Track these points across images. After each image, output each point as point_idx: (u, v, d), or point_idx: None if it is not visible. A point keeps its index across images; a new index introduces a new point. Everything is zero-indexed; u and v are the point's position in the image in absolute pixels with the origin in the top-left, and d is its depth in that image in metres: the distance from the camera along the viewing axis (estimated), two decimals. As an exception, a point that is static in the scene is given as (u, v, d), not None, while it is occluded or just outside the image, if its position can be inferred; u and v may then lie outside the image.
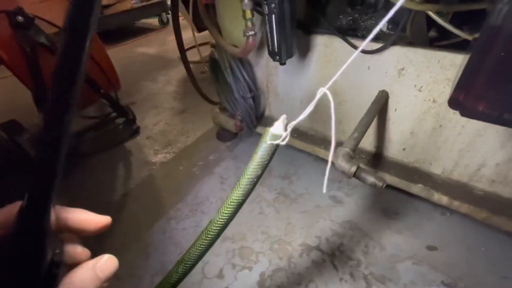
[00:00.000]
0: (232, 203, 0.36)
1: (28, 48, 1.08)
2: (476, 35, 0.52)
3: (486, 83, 0.42)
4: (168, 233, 1.06)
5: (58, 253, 0.22)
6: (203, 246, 0.40)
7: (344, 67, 0.34)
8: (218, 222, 0.38)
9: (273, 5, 0.64)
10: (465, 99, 0.45)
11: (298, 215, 1.07)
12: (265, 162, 0.34)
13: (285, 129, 0.32)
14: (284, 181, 1.22)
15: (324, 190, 0.35)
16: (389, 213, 1.04)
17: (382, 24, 0.27)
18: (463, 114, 0.47)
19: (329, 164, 0.31)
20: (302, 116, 0.30)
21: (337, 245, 0.96)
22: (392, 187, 1.02)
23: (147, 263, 0.97)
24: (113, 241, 1.05)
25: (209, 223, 0.39)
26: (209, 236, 0.39)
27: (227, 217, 0.37)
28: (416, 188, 0.94)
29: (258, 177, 0.35)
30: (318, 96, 0.26)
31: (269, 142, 0.33)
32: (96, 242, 1.06)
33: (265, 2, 0.65)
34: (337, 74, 0.30)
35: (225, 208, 0.37)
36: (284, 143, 0.32)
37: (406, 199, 1.08)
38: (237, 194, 0.35)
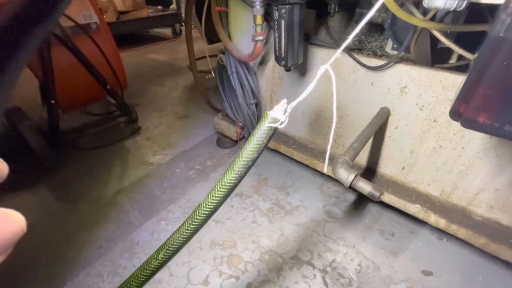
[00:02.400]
0: (224, 186, 0.35)
1: (42, 38, 1.11)
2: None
3: (487, 94, 0.42)
4: (157, 234, 1.03)
5: None
6: (188, 232, 0.38)
7: (331, 60, 0.34)
8: (207, 206, 0.36)
9: (283, 10, 0.66)
10: (466, 110, 0.45)
11: (292, 227, 1.05)
12: (262, 146, 0.33)
13: (284, 113, 0.32)
14: (280, 192, 1.20)
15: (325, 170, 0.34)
16: (385, 234, 1.01)
17: (368, 17, 0.28)
18: (464, 125, 0.46)
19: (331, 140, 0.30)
20: (301, 97, 0.30)
21: (329, 262, 0.93)
22: (389, 206, 1.01)
23: (132, 263, 0.94)
24: (99, 237, 1.02)
25: (197, 207, 0.37)
26: (196, 221, 0.38)
27: (217, 201, 0.36)
28: (414, 209, 0.92)
29: (253, 161, 0.34)
30: (320, 73, 0.26)
31: (267, 125, 0.32)
32: (79, 237, 1.03)
33: (275, 8, 0.68)
34: (334, 57, 0.30)
35: (216, 191, 0.35)
36: (282, 126, 0.32)
37: (402, 221, 1.05)
38: (230, 177, 0.34)
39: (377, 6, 0.26)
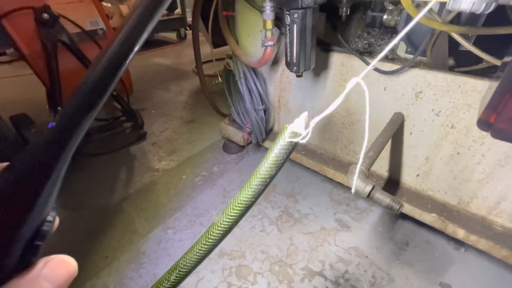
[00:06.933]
0: (239, 205, 0.32)
1: (49, 45, 1.11)
2: (507, 59, 0.50)
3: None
4: (164, 243, 1.01)
5: (50, 222, 0.19)
6: (201, 252, 0.36)
7: (363, 73, 0.31)
8: (222, 225, 0.34)
9: (296, 15, 0.64)
10: (497, 120, 0.42)
11: (302, 236, 1.01)
12: (281, 162, 0.31)
13: (306, 127, 0.30)
14: (288, 199, 1.18)
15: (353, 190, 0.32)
16: (399, 243, 0.98)
17: (399, 37, 0.25)
18: (495, 136, 0.43)
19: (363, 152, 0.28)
20: (327, 112, 0.27)
21: (342, 273, 0.89)
22: (403, 214, 0.97)
23: (138, 273, 0.92)
24: (105, 246, 1.00)
25: (211, 226, 0.35)
26: (209, 241, 0.35)
27: (232, 220, 0.33)
28: (430, 218, 0.88)
29: (271, 178, 0.32)
30: (349, 86, 0.24)
31: (287, 140, 0.30)
32: (85, 245, 1.01)
33: (287, 13, 0.65)
34: (366, 70, 0.27)
35: (231, 210, 0.33)
36: (304, 141, 0.30)
37: (417, 230, 1.01)
38: (246, 194, 0.32)
39: (410, 25, 0.23)
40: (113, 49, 0.18)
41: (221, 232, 0.34)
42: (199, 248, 0.36)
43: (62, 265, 0.19)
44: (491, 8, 0.45)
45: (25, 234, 0.17)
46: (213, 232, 0.35)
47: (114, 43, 0.18)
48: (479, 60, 0.77)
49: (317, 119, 0.28)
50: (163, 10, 0.20)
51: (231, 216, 0.33)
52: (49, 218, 0.19)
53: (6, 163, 0.18)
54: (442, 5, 0.70)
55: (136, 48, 0.19)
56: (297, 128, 0.30)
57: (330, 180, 1.17)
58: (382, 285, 0.86)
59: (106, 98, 0.19)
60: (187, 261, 0.36)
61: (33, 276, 0.17)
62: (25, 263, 0.18)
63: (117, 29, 0.18)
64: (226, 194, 1.22)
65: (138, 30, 0.19)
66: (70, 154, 0.19)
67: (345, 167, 1.09)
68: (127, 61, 0.19)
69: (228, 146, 1.44)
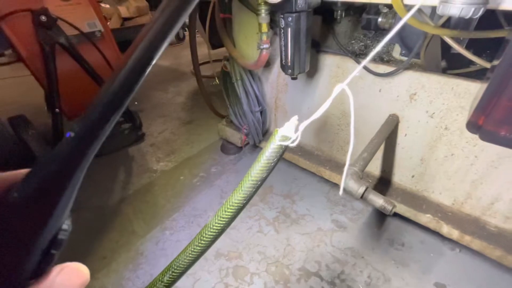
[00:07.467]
0: (231, 207, 0.33)
1: (47, 47, 1.11)
2: (495, 62, 0.51)
3: (511, 105, 0.40)
4: (161, 244, 1.02)
5: (65, 230, 0.19)
6: (194, 253, 0.36)
7: (348, 79, 0.32)
8: (214, 227, 0.35)
9: (290, 19, 0.65)
10: (486, 122, 0.43)
11: (299, 237, 1.02)
12: (272, 164, 0.32)
13: (296, 131, 0.30)
14: (285, 200, 1.18)
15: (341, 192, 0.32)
16: (395, 243, 0.98)
17: (388, 37, 0.26)
18: (483, 138, 0.44)
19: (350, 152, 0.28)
20: (314, 116, 0.28)
21: (338, 273, 0.90)
22: (398, 215, 0.98)
23: (136, 274, 0.92)
24: (103, 247, 1.00)
25: (204, 228, 0.36)
26: (202, 242, 0.36)
27: (224, 222, 0.34)
28: (425, 218, 0.89)
29: (263, 180, 0.32)
30: (335, 93, 0.25)
31: (277, 143, 0.31)
32: (84, 247, 1.01)
33: (281, 16, 0.66)
34: (350, 77, 0.28)
35: (223, 212, 0.34)
36: (294, 145, 0.30)
37: (412, 230, 1.02)
38: (238, 197, 0.33)
39: (399, 26, 0.24)
40: (135, 56, 0.18)
41: (214, 233, 0.35)
42: (192, 249, 0.36)
43: (76, 273, 0.19)
44: (480, 13, 0.45)
45: (42, 243, 0.18)
46: (206, 234, 0.35)
47: (136, 50, 0.18)
48: (471, 62, 0.78)
49: (306, 122, 0.29)
50: (186, 17, 0.20)
51: (223, 218, 0.34)
52: (65, 226, 0.19)
53: (26, 170, 0.18)
54: (435, 9, 0.71)
55: (159, 53, 0.19)
56: (287, 132, 0.31)
57: (327, 181, 1.18)
58: (378, 285, 0.86)
59: (125, 107, 0.19)
60: (180, 262, 0.37)
61: (48, 284, 0.18)
62: (40, 271, 0.18)
63: (141, 33, 0.18)
64: (224, 195, 1.23)
65: (162, 36, 0.19)
66: (88, 163, 0.19)
67: (342, 168, 1.10)
68: (149, 68, 0.19)
69: (226, 147, 1.45)
